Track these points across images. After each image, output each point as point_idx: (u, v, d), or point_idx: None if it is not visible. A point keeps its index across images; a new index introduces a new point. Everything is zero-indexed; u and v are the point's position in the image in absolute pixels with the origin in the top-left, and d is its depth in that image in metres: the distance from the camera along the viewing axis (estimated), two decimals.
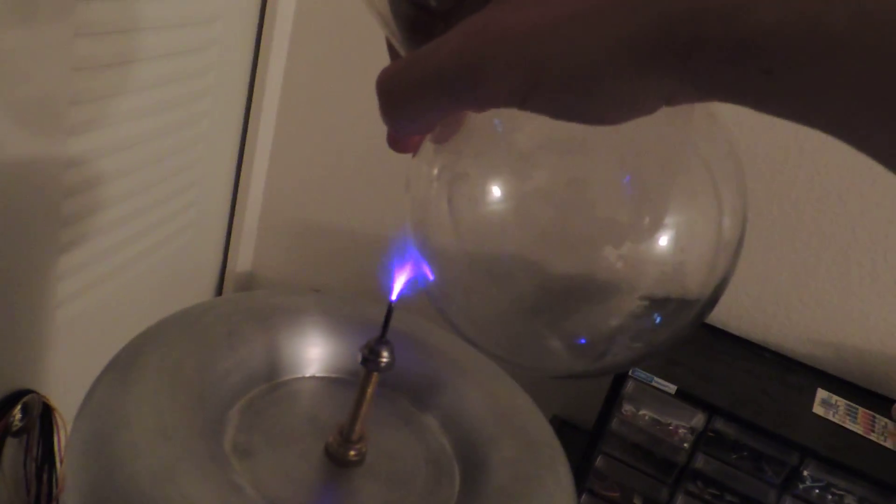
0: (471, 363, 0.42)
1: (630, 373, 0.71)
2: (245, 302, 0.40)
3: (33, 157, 0.62)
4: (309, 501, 0.33)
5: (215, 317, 0.38)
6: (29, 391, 0.71)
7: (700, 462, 0.72)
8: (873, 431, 0.73)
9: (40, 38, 0.57)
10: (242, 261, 1.09)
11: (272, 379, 0.39)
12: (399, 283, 0.32)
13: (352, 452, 0.35)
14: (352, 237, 1.03)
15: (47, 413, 0.74)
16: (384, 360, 0.33)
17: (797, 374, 0.80)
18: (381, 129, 0.18)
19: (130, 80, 0.71)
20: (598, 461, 0.76)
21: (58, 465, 0.76)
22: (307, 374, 0.40)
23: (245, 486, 0.30)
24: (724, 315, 0.85)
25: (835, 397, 0.77)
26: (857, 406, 0.76)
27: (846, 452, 0.68)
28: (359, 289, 1.01)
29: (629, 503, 0.77)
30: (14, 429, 0.71)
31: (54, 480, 0.77)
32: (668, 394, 0.70)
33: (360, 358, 0.34)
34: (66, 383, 0.77)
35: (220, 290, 1.10)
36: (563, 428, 0.92)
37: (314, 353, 0.41)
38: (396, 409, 0.40)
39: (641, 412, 0.73)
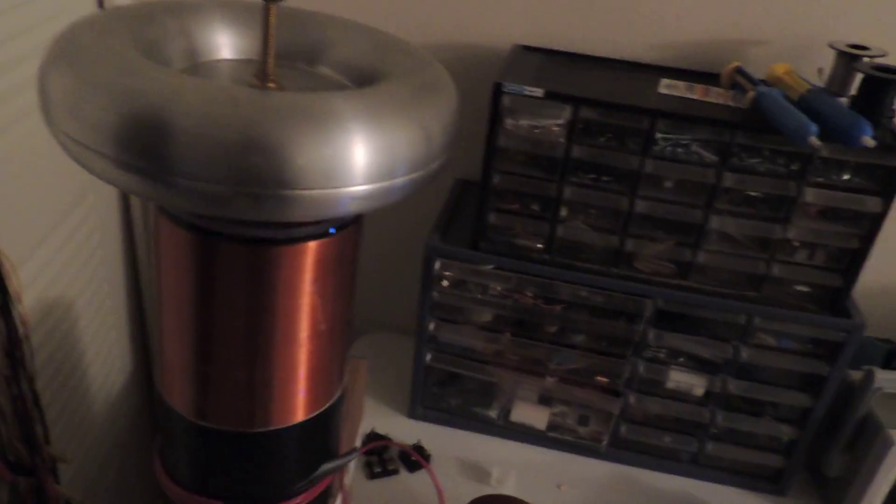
0: (349, 26, 0.51)
1: (503, 87, 0.82)
2: (153, 3, 0.48)
3: None
4: None
5: (133, 11, 0.45)
6: None
7: (576, 152, 0.85)
8: (708, 95, 0.88)
9: None
10: None
11: (193, 60, 0.47)
12: None
13: (271, 84, 0.45)
14: None
15: None
16: None
17: (644, 72, 0.94)
18: None
19: None
20: (496, 179, 0.88)
21: (16, 304, 0.83)
22: (221, 58, 0.49)
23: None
24: (578, 42, 0.98)
25: (675, 81, 0.91)
26: (694, 84, 0.91)
27: (686, 110, 0.82)
28: None
29: (528, 210, 0.90)
30: None
31: (18, 319, 0.83)
32: (539, 98, 0.82)
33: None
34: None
35: None
36: (467, 187, 1.05)
37: (223, 40, 0.49)
38: (295, 69, 0.50)
39: (521, 122, 0.86)
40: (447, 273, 0.93)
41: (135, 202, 1.13)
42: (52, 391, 0.94)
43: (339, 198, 0.40)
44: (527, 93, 0.83)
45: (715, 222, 0.85)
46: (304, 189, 0.39)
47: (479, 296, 0.94)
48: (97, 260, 1.05)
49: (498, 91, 0.83)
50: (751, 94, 0.83)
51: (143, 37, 0.44)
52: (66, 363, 0.97)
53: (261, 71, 0.45)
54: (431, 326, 0.96)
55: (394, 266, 1.17)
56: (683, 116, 0.81)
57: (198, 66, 0.47)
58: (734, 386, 0.90)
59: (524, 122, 0.86)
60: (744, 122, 0.80)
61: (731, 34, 0.96)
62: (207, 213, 0.42)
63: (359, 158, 0.39)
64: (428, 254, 0.91)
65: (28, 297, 0.87)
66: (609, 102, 0.82)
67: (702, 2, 0.94)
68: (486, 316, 0.96)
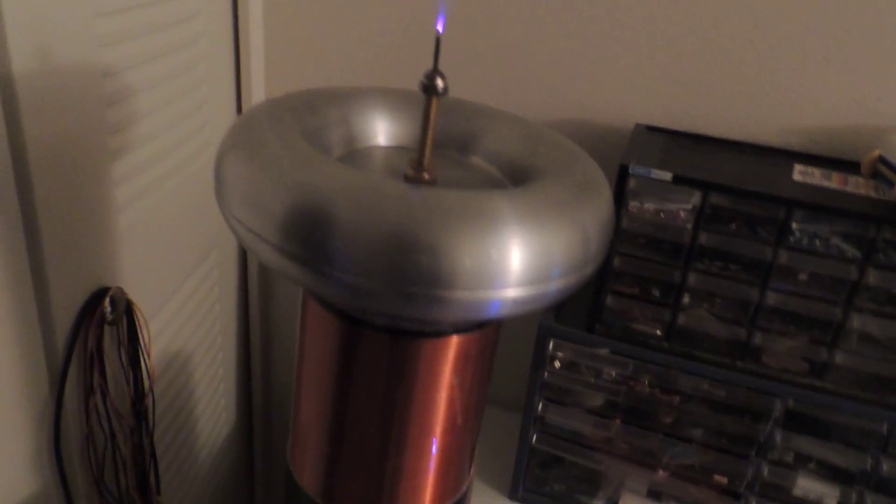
0: (499, 116, 0.51)
1: (630, 170, 0.81)
2: (314, 91, 0.49)
3: (74, 65, 0.70)
4: None
5: (298, 100, 0.47)
6: (110, 288, 0.81)
7: (703, 239, 0.82)
8: (847, 185, 0.83)
9: None
10: None
11: (350, 146, 0.48)
12: (442, 16, 0.41)
13: (425, 175, 0.45)
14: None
15: (129, 308, 0.83)
16: (441, 84, 0.43)
17: (775, 157, 0.90)
18: None
19: None
20: (616, 261, 0.86)
21: (146, 357, 0.86)
22: (377, 144, 0.50)
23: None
24: (702, 121, 0.95)
25: (810, 168, 0.87)
26: (830, 171, 0.86)
27: (825, 200, 0.78)
28: None
29: (648, 295, 0.88)
30: (108, 319, 0.80)
31: (146, 371, 0.86)
32: (667, 182, 0.80)
33: (421, 87, 0.43)
34: (136, 282, 0.86)
35: None
36: None
37: (380, 127, 0.50)
38: (445, 159, 0.50)
39: (646, 205, 0.84)
40: (560, 354, 0.91)
41: (252, 258, 1.17)
42: (165, 442, 0.96)
43: (491, 300, 0.39)
44: (654, 176, 0.81)
45: (855, 321, 0.79)
46: (457, 290, 0.38)
47: (592, 380, 0.91)
48: (215, 313, 1.08)
49: (624, 173, 0.82)
50: None
51: (308, 126, 0.45)
52: (180, 414, 1.00)
53: (417, 162, 0.45)
54: (539, 407, 0.93)
55: (504, 341, 1.15)
56: (825, 208, 0.77)
57: (354, 153, 0.48)
58: (872, 501, 0.83)
59: (649, 206, 0.84)
60: (891, 216, 0.75)
61: (870, 119, 0.91)
62: (358, 307, 0.42)
63: (515, 261, 0.39)
64: (541, 333, 0.89)
65: (154, 350, 0.91)
66: (742, 189, 0.79)
67: (838, 83, 0.90)
68: (598, 400, 0.92)
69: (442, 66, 0.42)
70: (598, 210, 0.43)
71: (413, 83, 0.45)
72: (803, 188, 0.81)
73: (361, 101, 0.50)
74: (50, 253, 0.68)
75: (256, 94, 1.10)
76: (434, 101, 0.43)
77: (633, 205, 0.84)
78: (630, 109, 0.99)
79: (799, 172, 0.85)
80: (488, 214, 0.38)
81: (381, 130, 0.50)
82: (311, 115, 0.46)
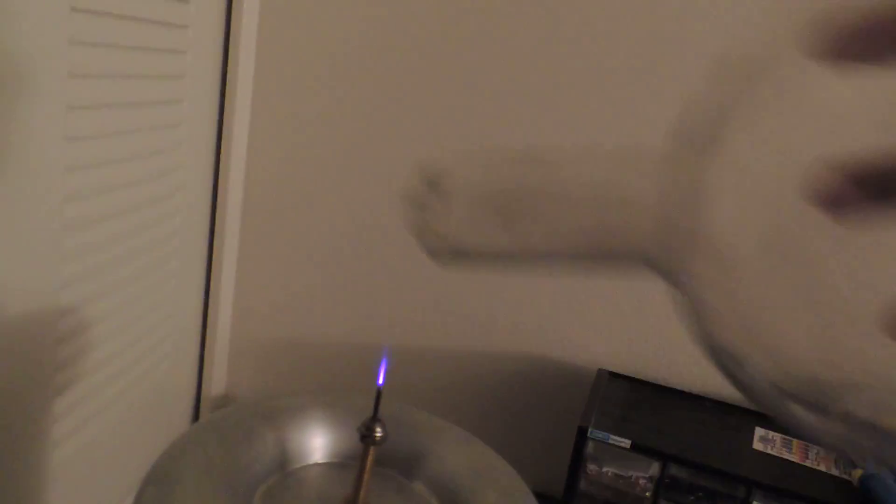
0: (449, 434, 0.50)
1: (589, 434, 0.79)
2: (254, 407, 0.48)
3: (30, 310, 0.69)
4: None
5: (233, 421, 0.45)
6: None
7: None
8: (808, 458, 0.82)
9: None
10: (217, 383, 1.14)
11: (284, 467, 0.46)
12: (382, 370, 0.41)
13: None
14: (320, 347, 1.10)
15: None
16: (379, 434, 0.41)
17: (735, 416, 0.90)
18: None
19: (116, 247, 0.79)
20: None
21: None
22: (313, 462, 0.48)
23: None
24: (665, 373, 0.95)
25: (771, 433, 0.86)
26: (790, 438, 0.85)
27: (786, 480, 0.76)
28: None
29: None
30: None
31: None
32: (625, 448, 0.79)
33: (358, 436, 0.41)
34: None
35: (196, 415, 1.15)
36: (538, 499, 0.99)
37: (317, 443, 0.48)
38: (388, 481, 0.48)
39: (605, 469, 0.81)
40: None
41: None
42: None
43: None
44: (612, 441, 0.79)
45: None
46: None
47: None
48: None
49: (582, 436, 0.80)
50: (858, 471, 0.77)
51: (237, 459, 0.43)
52: None
53: (352, 501, 0.43)
54: None
55: None
56: (785, 492, 0.75)
57: (287, 478, 0.46)
58: None
59: (608, 469, 0.81)
60: (850, 501, 0.73)
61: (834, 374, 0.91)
62: None
63: None
64: None
65: None
66: (700, 464, 0.77)
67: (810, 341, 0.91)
68: None
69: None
70: None
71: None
72: (763, 461, 0.80)
73: (300, 418, 0.48)
74: None
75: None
76: (371, 451, 0.42)
77: (592, 468, 0.82)
78: (595, 351, 0.99)
79: (759, 439, 0.84)
80: None
81: (319, 447, 0.49)
82: (244, 442, 0.45)
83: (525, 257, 0.22)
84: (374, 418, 0.41)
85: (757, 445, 0.83)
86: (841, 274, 0.19)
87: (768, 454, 0.81)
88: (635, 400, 0.91)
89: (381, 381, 0.40)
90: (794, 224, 0.18)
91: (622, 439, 0.79)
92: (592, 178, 0.21)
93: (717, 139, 0.20)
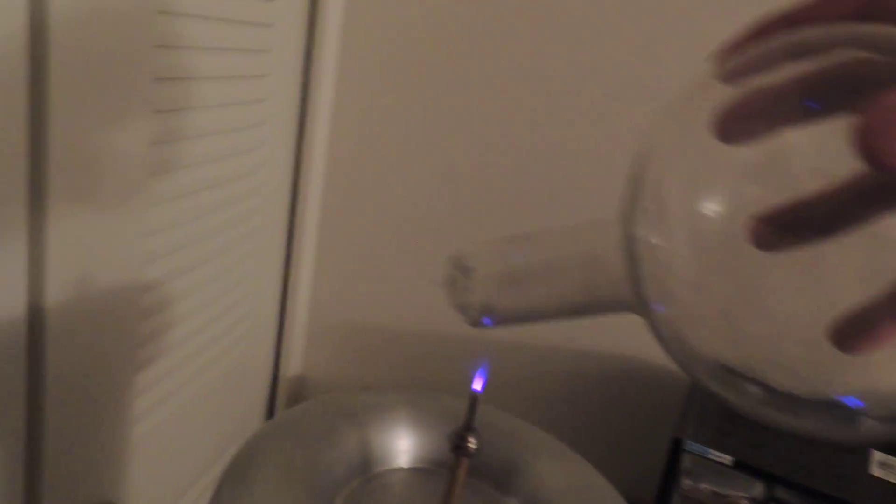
0: (545, 446, 0.45)
1: (685, 447, 0.73)
2: (335, 403, 0.44)
3: (115, 285, 0.68)
4: None
5: (313, 418, 0.42)
6: None
7: None
8: None
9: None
10: (293, 365, 1.13)
11: (367, 471, 0.43)
12: (481, 374, 0.36)
13: None
14: (398, 333, 1.07)
15: None
16: (472, 446, 0.37)
17: None
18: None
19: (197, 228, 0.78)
20: None
21: None
22: (397, 466, 0.44)
23: None
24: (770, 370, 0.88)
25: (891, 458, 0.78)
26: None
27: None
28: (410, 383, 1.04)
29: None
30: None
31: None
32: (726, 465, 0.72)
33: (450, 446, 0.37)
34: (146, 495, 0.80)
35: (272, 395, 1.14)
36: None
37: (403, 446, 0.44)
38: (481, 494, 0.44)
39: (701, 486, 0.75)
40: None
41: None
42: None
43: None
44: (711, 457, 0.73)
45: None
46: None
47: None
48: None
49: (677, 448, 0.74)
50: None
51: (317, 459, 0.40)
52: None
53: None
54: None
55: None
56: None
57: (369, 484, 0.43)
58: None
59: (705, 486, 0.75)
60: None
61: None
62: None
63: None
64: None
65: None
66: (811, 489, 0.70)
67: None
68: None
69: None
70: None
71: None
72: (883, 489, 0.72)
73: (384, 418, 0.45)
74: (50, 473, 0.63)
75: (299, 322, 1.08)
76: (463, 463, 0.37)
77: (687, 483, 0.75)
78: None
79: (878, 465, 0.76)
80: None
81: (404, 450, 0.45)
82: (325, 441, 0.41)
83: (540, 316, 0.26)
84: (469, 427, 0.37)
85: (875, 471, 0.75)
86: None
87: (889, 482, 0.73)
88: (736, 410, 0.84)
89: (478, 388, 0.36)
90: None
91: (723, 455, 0.72)
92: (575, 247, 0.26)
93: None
